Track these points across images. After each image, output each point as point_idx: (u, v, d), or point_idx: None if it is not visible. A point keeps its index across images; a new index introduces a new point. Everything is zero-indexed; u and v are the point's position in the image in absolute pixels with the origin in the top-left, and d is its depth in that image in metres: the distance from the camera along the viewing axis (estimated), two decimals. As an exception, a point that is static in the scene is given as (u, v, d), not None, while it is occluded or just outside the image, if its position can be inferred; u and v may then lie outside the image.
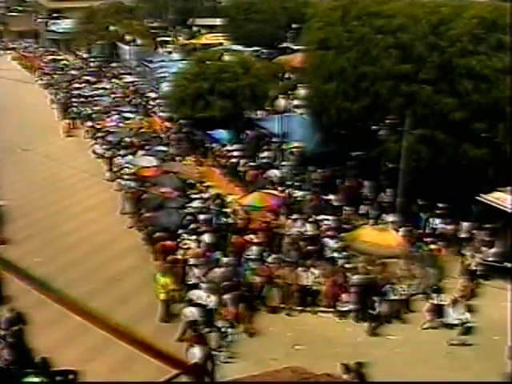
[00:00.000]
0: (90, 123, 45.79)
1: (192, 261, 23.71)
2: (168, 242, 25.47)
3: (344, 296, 22.83)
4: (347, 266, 23.86)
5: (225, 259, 23.89)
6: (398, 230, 25.93)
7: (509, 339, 19.72)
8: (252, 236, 25.57)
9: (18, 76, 59.82)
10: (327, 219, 27.30)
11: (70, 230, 29.69)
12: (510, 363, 18.34)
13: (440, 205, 27.15)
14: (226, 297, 21.64)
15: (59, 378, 6.03)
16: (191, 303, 21.18)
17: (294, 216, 27.49)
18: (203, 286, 22.24)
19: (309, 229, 26.55)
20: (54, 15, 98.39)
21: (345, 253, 24.65)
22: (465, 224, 26.68)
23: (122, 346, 17.46)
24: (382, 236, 24.48)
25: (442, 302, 22.06)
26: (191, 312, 20.76)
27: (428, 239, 25.83)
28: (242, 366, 19.18)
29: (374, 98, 28.36)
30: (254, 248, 24.64)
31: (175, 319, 21.89)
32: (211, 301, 21.40)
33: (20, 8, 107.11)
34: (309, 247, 25.25)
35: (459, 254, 25.60)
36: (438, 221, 27.06)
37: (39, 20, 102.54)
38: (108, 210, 31.85)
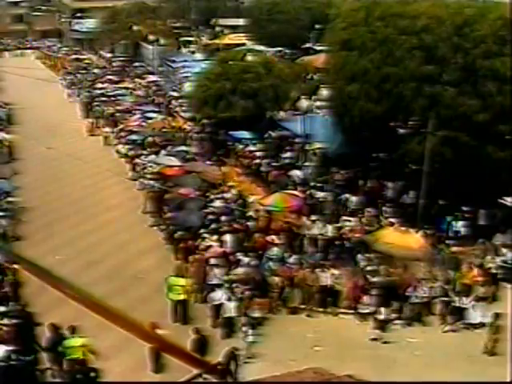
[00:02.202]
0: (112, 123, 46.03)
1: (213, 261, 23.75)
2: (189, 242, 25.53)
3: (365, 298, 22.75)
4: (368, 267, 23.77)
5: (246, 259, 23.91)
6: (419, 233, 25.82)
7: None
8: (273, 237, 25.55)
9: (41, 75, 60.20)
10: (349, 220, 27.23)
11: (91, 228, 29.84)
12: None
13: (463, 207, 26.99)
14: (246, 295, 21.71)
15: (80, 375, 6.04)
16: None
17: (316, 217, 27.44)
18: (223, 286, 22.30)
19: (330, 230, 26.47)
20: (78, 15, 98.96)
21: (366, 254, 24.57)
22: (486, 226, 26.51)
23: (141, 344, 17.73)
24: (404, 238, 24.37)
25: (464, 305, 21.93)
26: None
27: (450, 241, 25.70)
28: (261, 366, 19.18)
29: (397, 99, 28.19)
30: (275, 249, 24.65)
31: (193, 321, 21.99)
32: (230, 301, 21.47)
33: (44, 7, 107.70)
34: (330, 248, 25.22)
35: (480, 256, 25.39)
36: (460, 223, 26.89)
37: (63, 19, 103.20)
38: (130, 209, 31.98)
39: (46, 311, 20.84)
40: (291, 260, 24.08)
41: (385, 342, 21.12)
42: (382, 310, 21.89)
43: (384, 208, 28.76)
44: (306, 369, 13.63)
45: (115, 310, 13.43)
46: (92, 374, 5.97)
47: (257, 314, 21.37)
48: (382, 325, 21.72)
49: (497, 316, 20.75)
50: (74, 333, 18.70)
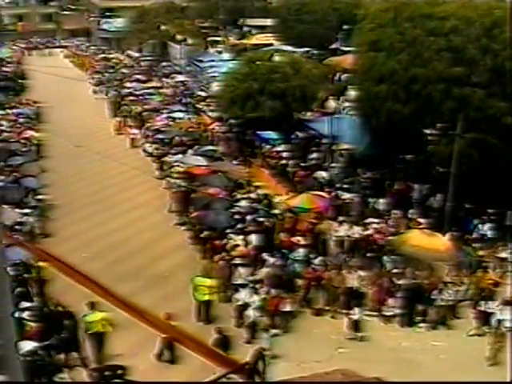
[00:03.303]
0: (139, 122, 46.30)
1: (238, 261, 23.79)
2: (215, 242, 25.58)
3: (390, 300, 22.67)
4: (394, 269, 23.68)
5: (271, 259, 23.91)
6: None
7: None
8: (299, 238, 25.54)
9: (69, 74, 60.61)
10: (375, 222, 27.14)
11: (118, 226, 30.01)
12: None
13: (489, 210, 26.81)
14: (271, 293, 21.74)
15: (108, 372, 6.08)
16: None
17: (342, 218, 27.39)
18: (248, 285, 22.33)
19: (356, 231, 26.40)
20: (106, 14, 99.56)
21: (392, 256, 24.48)
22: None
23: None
24: (431, 240, 24.23)
25: (490, 309, 21.75)
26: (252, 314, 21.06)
27: (477, 244, 25.54)
28: (285, 366, 19.15)
29: (425, 100, 28.08)
30: (301, 249, 24.63)
31: (217, 320, 22.05)
32: (254, 301, 21.50)
33: (73, 7, 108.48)
34: (356, 250, 25.16)
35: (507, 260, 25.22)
36: (486, 226, 26.71)
37: (91, 19, 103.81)
38: (156, 207, 32.10)
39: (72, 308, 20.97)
40: (317, 261, 24.03)
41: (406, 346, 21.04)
42: (356, 309, 21.79)
43: (411, 210, 28.61)
44: (334, 370, 13.58)
45: (138, 305, 13.52)
46: (119, 372, 5.99)
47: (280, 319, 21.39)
48: (356, 325, 21.60)
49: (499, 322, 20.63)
50: (93, 308, 19.28)
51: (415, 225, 26.90)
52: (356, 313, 21.68)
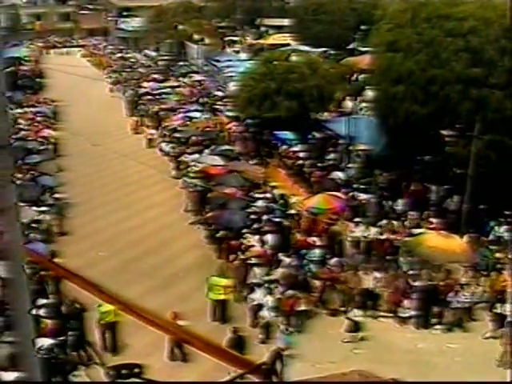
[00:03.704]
0: (156, 122, 46.44)
1: (254, 260, 23.78)
2: (232, 241, 25.60)
3: (406, 302, 22.59)
4: (410, 271, 23.60)
5: (287, 260, 23.90)
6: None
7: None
8: (315, 238, 25.50)
9: (87, 73, 60.84)
10: (391, 223, 27.03)
11: (134, 225, 30.11)
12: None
13: (506, 212, 26.65)
14: (286, 294, 21.72)
15: (125, 371, 6.09)
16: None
17: (358, 219, 27.32)
18: (263, 286, 22.33)
19: (372, 232, 26.32)
20: (124, 13, 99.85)
21: (408, 258, 24.39)
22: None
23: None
24: (447, 242, 24.11)
25: (506, 312, 21.62)
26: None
27: (493, 247, 25.39)
28: (300, 367, 19.12)
29: (443, 101, 27.93)
30: (317, 250, 24.59)
31: (232, 320, 22.06)
32: (269, 301, 21.49)
33: (90, 6, 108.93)
34: (372, 251, 25.10)
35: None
36: (503, 228, 26.55)
37: (109, 18, 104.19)
38: (172, 207, 32.17)
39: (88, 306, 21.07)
40: (332, 262, 23.99)
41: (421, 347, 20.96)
42: (355, 311, 21.78)
43: (427, 212, 28.48)
44: (352, 371, 13.56)
45: (144, 309, 13.55)
46: (136, 370, 6.01)
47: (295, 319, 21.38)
48: (355, 326, 21.52)
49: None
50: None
51: (429, 225, 26.79)
52: (355, 314, 21.65)
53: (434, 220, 27.39)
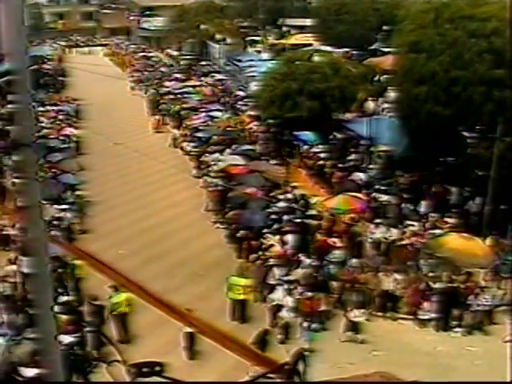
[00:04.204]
0: (178, 121, 46.59)
1: (274, 261, 23.77)
2: (252, 241, 25.60)
3: (425, 304, 22.49)
4: (431, 273, 23.49)
5: (307, 260, 23.87)
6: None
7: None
8: (335, 239, 25.45)
9: (109, 72, 61.08)
10: (412, 225, 26.93)
11: (155, 224, 30.17)
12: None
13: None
14: (306, 294, 21.70)
15: (146, 369, 6.10)
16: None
17: (379, 220, 27.23)
18: (283, 286, 22.31)
19: (393, 234, 26.22)
20: (146, 13, 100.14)
21: (429, 260, 24.27)
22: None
23: (199, 340, 17.84)
24: (469, 244, 24.00)
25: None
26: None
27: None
28: (318, 368, 19.02)
29: (465, 103, 27.79)
30: (337, 251, 24.54)
31: (251, 320, 22.07)
32: (288, 301, 21.47)
33: (113, 5, 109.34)
34: (392, 253, 25.02)
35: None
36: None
37: (131, 17, 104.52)
38: (193, 206, 32.22)
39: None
40: (352, 263, 23.93)
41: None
42: (355, 311, 21.71)
43: (449, 213, 28.34)
44: (374, 373, 13.45)
45: (173, 304, 13.52)
46: (157, 368, 6.03)
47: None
48: (355, 326, 21.47)
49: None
50: (117, 290, 19.93)
51: (450, 227, 26.64)
52: (355, 314, 21.57)
53: (455, 222, 27.26)
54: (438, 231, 26.50)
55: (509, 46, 27.07)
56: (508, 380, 17.75)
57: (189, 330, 18.74)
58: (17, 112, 5.64)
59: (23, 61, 5.48)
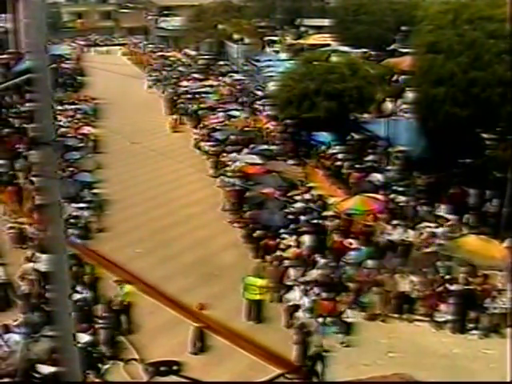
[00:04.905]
0: (195, 121, 46.69)
1: (291, 261, 23.75)
2: (269, 241, 25.58)
3: (442, 306, 22.39)
4: (448, 275, 23.37)
5: (323, 261, 23.83)
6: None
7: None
8: (351, 240, 25.38)
9: (127, 71, 61.28)
10: (429, 227, 26.81)
11: (171, 223, 30.23)
12: None
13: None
14: (322, 295, 21.66)
15: (164, 368, 6.12)
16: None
17: (396, 222, 27.13)
18: (299, 287, 22.28)
19: (410, 235, 26.12)
20: (164, 12, 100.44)
21: (446, 262, 24.17)
22: None
23: (214, 340, 17.89)
24: (486, 246, 23.89)
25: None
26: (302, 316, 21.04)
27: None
28: (332, 369, 19.06)
29: (483, 104, 27.65)
30: (353, 252, 24.48)
31: (267, 320, 22.06)
32: (304, 302, 21.44)
33: (131, 5, 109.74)
34: (409, 254, 24.93)
35: None
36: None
37: (149, 17, 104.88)
38: (210, 205, 32.25)
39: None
40: (369, 264, 23.87)
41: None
42: (349, 312, 21.53)
43: (466, 215, 28.21)
44: (392, 374, 13.46)
45: (187, 304, 13.63)
46: (175, 367, 6.05)
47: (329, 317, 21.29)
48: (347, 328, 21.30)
49: None
50: (122, 283, 20.69)
51: (468, 229, 26.52)
52: (349, 315, 21.40)
53: (473, 224, 27.14)
54: (455, 233, 26.41)
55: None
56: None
57: (197, 325, 19.02)
58: (37, 110, 5.68)
59: (44, 59, 5.52)
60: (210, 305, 20.03)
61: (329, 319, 21.07)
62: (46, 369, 16.23)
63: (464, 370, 19.76)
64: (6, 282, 22.50)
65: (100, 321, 19.87)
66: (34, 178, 30.99)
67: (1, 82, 46.61)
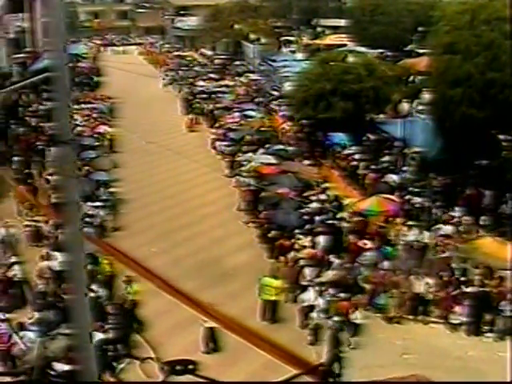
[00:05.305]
0: (211, 120, 46.77)
1: (305, 261, 23.73)
2: (284, 242, 25.57)
3: (457, 308, 22.30)
4: (463, 277, 23.28)
5: (338, 262, 23.80)
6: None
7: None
8: (366, 241, 25.32)
9: (143, 71, 61.44)
10: (445, 228, 26.71)
11: (186, 222, 30.28)
12: None
13: None
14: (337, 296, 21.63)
15: (179, 367, 6.12)
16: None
17: (411, 223, 27.04)
18: (314, 287, 22.25)
19: (426, 237, 26.03)
20: (181, 12, 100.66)
21: (462, 263, 24.07)
22: None
23: (229, 339, 17.89)
24: (503, 248, 23.79)
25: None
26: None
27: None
28: (347, 370, 19.02)
29: (500, 105, 27.52)
30: (368, 253, 24.43)
31: (281, 320, 22.06)
32: (319, 303, 21.42)
33: (148, 4, 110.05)
34: (423, 255, 24.85)
35: None
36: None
37: (166, 16, 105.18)
38: (225, 205, 32.28)
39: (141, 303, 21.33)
40: (384, 265, 23.81)
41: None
42: (357, 313, 21.40)
43: (482, 217, 28.08)
44: (409, 376, 13.43)
45: (204, 302, 13.61)
46: (191, 366, 6.06)
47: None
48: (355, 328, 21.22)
49: None
50: (131, 282, 21.04)
51: (486, 232, 26.40)
52: (356, 316, 21.25)
53: (488, 225, 27.01)
54: (471, 235, 26.31)
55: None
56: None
57: (209, 325, 19.04)
58: (55, 109, 5.71)
59: (63, 58, 5.55)
60: (221, 305, 20.10)
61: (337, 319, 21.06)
62: (62, 367, 16.29)
63: (478, 372, 19.67)
64: (22, 280, 22.60)
65: (113, 319, 19.91)
66: (49, 177, 31.24)
67: (18, 81, 46.89)
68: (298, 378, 7.12)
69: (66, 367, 15.87)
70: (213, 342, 19.99)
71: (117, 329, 19.36)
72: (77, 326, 5.80)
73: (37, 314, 19.67)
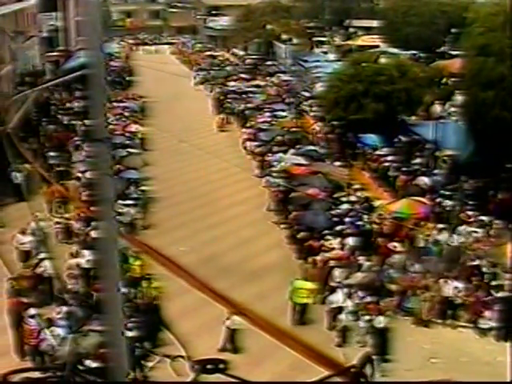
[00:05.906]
0: (242, 120, 46.84)
1: (334, 263, 23.66)
2: (313, 243, 25.51)
3: (487, 313, 22.11)
4: (493, 281, 23.09)
5: (367, 264, 23.71)
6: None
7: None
8: (396, 244, 25.18)
9: (175, 70, 61.65)
10: (476, 232, 26.49)
11: (216, 222, 30.33)
12: None
13: None
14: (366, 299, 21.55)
15: (210, 366, 6.14)
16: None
17: (442, 226, 26.86)
18: (343, 289, 22.19)
19: (456, 240, 25.84)
20: (213, 12, 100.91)
21: (492, 268, 23.86)
22: None
23: (256, 339, 17.87)
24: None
25: None
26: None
27: None
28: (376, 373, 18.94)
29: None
30: (397, 256, 24.31)
31: (309, 321, 22.03)
32: (348, 305, 21.35)
33: (180, 4, 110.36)
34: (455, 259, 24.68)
35: None
36: None
37: (198, 16, 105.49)
38: (255, 205, 32.31)
39: (169, 300, 21.38)
40: (413, 268, 23.68)
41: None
42: (381, 317, 21.06)
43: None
44: (439, 380, 13.37)
45: (235, 301, 13.66)
46: (221, 366, 6.07)
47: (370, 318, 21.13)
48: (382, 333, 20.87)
49: None
50: (150, 279, 21.58)
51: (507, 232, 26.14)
52: (381, 320, 20.86)
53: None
54: (501, 239, 26.07)
55: None
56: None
57: (231, 326, 19.09)
58: (91, 107, 5.75)
59: (99, 57, 5.59)
60: (249, 305, 20.10)
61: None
62: (93, 363, 16.40)
63: (506, 378, 19.48)
64: (51, 276, 22.78)
65: (140, 317, 19.99)
66: (80, 175, 31.51)
67: (50, 80, 47.32)
68: (329, 378, 7.07)
69: (97, 364, 15.97)
70: (232, 344, 20.01)
71: (144, 327, 19.44)
72: (109, 323, 5.83)
73: (65, 310, 19.82)
